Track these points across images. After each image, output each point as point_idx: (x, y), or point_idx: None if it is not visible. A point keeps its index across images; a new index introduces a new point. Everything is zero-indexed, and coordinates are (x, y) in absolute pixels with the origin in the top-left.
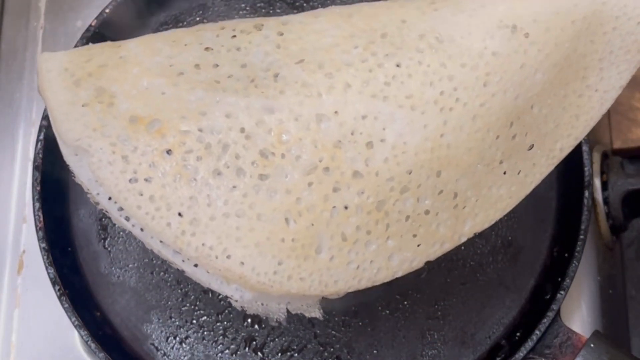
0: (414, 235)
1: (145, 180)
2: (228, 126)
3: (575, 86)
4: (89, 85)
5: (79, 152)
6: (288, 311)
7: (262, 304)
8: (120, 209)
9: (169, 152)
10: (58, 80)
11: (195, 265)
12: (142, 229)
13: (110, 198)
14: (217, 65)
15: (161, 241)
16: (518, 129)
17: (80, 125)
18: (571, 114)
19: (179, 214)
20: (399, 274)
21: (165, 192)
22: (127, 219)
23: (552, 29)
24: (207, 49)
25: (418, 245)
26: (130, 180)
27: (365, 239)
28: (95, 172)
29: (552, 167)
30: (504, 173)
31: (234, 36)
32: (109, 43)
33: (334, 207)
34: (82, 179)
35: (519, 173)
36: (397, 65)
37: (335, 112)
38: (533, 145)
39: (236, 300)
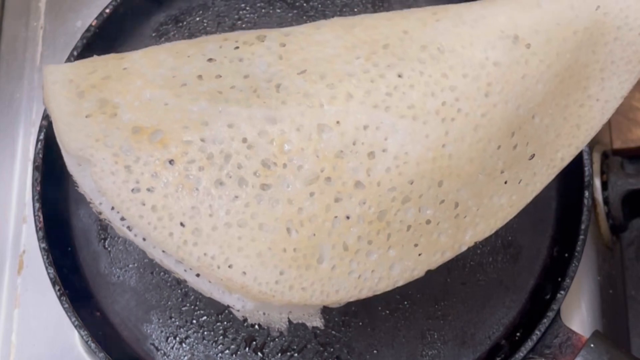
0: (415, 245)
1: (148, 190)
2: (230, 136)
3: (576, 96)
4: (93, 96)
5: (82, 162)
6: (289, 322)
7: (264, 314)
8: (123, 218)
9: (171, 162)
10: (62, 92)
11: (198, 275)
12: (144, 239)
13: (112, 208)
14: (220, 76)
15: (163, 251)
16: (519, 138)
17: (83, 136)
18: (572, 123)
19: (181, 224)
20: (400, 283)
21: (167, 202)
22: (130, 228)
23: (553, 39)
24: (210, 60)
25: (419, 255)
26: (132, 190)
27: (367, 248)
28: (98, 182)
29: (552, 177)
30: (505, 182)
31: (237, 47)
32: (112, 55)
33: (336, 217)
34: (85, 189)
35: (519, 182)
36: (399, 76)
37: (337, 122)
38: (534, 155)
39: (238, 310)
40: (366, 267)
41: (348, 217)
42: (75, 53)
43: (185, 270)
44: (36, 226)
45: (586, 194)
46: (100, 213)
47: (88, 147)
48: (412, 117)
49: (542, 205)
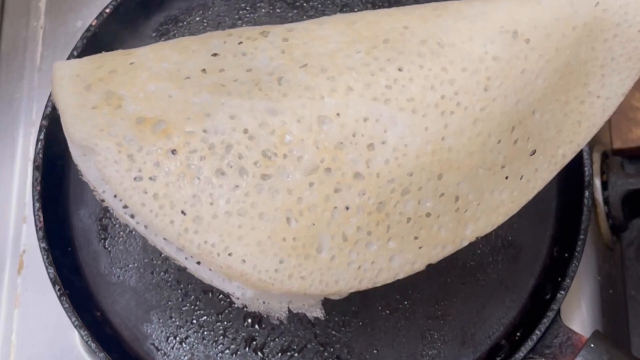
0: (415, 238)
1: (150, 178)
2: (232, 127)
3: (576, 92)
4: (99, 89)
5: (86, 152)
6: (289, 312)
7: (264, 302)
8: (125, 206)
9: (173, 151)
10: (69, 86)
11: (198, 263)
12: (146, 227)
13: (115, 196)
14: (223, 70)
15: (164, 239)
16: (520, 134)
17: (89, 126)
18: (573, 120)
19: (182, 212)
20: (401, 276)
21: (169, 191)
22: (132, 216)
23: (552, 35)
24: (214, 54)
25: (419, 248)
26: (135, 179)
27: (366, 239)
28: (102, 170)
29: (554, 173)
30: (506, 178)
31: (241, 42)
32: (120, 51)
33: (335, 207)
34: (89, 177)
35: (521, 178)
36: (399, 69)
37: (337, 114)
38: (535, 150)
39: (237, 298)
40: (366, 258)
41: (347, 208)
42: (75, 53)
43: (186, 258)
44: (36, 226)
45: (586, 194)
46: (103, 201)
47: (93, 136)
48: (411, 110)
49: (542, 205)
